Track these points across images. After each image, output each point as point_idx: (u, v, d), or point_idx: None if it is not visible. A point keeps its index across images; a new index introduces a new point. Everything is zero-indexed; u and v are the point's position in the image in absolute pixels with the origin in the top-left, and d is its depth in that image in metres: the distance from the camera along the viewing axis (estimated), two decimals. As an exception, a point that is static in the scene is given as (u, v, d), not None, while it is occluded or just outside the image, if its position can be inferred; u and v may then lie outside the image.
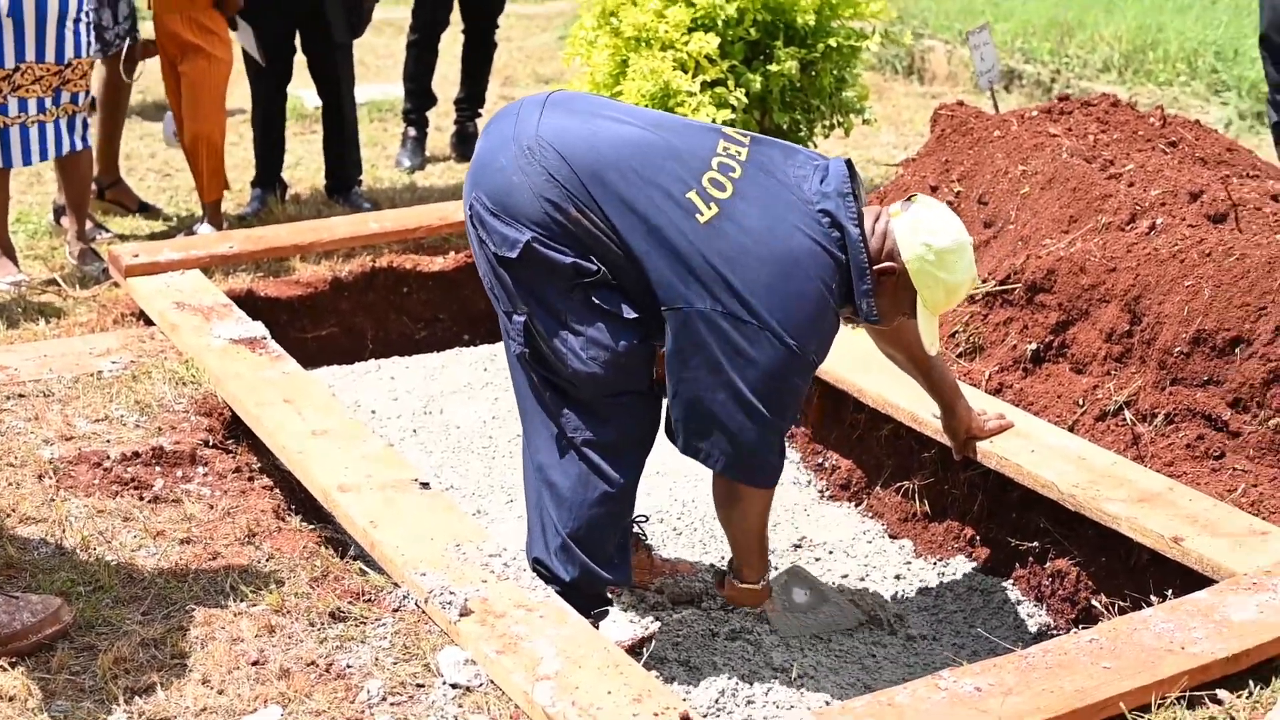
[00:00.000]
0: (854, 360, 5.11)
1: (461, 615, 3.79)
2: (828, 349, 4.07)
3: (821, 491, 5.55)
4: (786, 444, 5.56)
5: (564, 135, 3.99)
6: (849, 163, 4.06)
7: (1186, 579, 4.15)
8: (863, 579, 4.96)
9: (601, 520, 4.18)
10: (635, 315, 4.00)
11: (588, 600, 4.20)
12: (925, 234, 3.98)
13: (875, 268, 3.98)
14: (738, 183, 3.96)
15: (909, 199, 4.07)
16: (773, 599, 4.52)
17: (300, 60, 8.15)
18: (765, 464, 4.07)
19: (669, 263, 3.90)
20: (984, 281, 5.39)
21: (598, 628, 4.11)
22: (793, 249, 3.90)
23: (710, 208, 3.91)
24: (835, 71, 7.31)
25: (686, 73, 6.84)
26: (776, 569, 4.81)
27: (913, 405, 4.91)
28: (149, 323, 5.97)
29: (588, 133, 4.00)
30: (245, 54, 7.82)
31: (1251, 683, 3.53)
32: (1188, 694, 3.45)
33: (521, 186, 3.95)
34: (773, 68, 6.95)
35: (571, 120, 4.04)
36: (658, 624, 4.47)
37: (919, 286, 3.99)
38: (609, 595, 4.36)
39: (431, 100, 9.45)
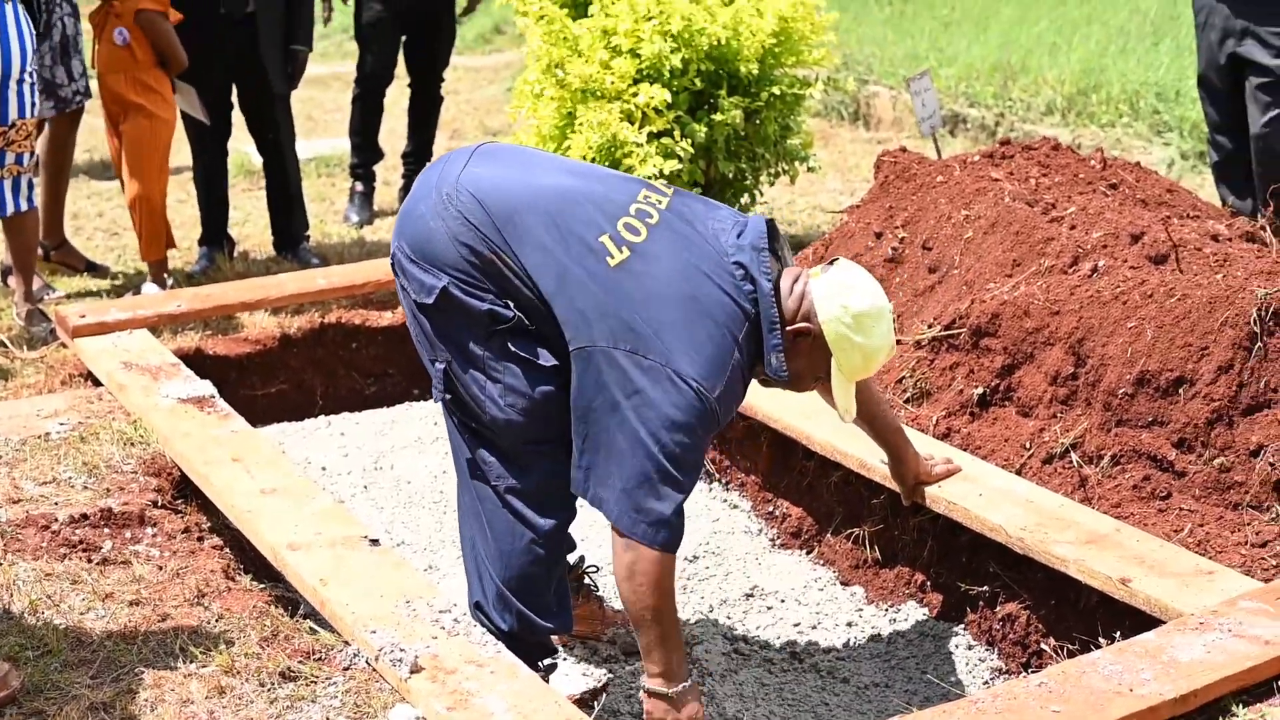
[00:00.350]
0: (802, 408, 5.13)
1: (412, 672, 3.78)
2: (733, 404, 4.00)
3: (772, 540, 5.56)
4: (737, 494, 5.60)
5: (483, 181, 4.00)
6: (770, 221, 4.05)
7: (1135, 619, 4.17)
8: (814, 627, 4.97)
9: (532, 569, 4.17)
10: (553, 363, 4.00)
11: (531, 648, 4.19)
12: (843, 296, 3.94)
13: (790, 328, 3.94)
14: (653, 229, 3.96)
15: (831, 262, 4.06)
16: None
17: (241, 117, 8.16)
18: (661, 519, 3.86)
19: (576, 303, 3.88)
20: (929, 326, 5.42)
21: (548, 681, 4.11)
22: (700, 295, 3.88)
23: (622, 251, 3.90)
24: (779, 120, 7.35)
25: (633, 124, 6.87)
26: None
27: (861, 452, 4.92)
28: (97, 383, 5.95)
29: (508, 179, 4.02)
30: (184, 116, 7.82)
31: (1199, 723, 3.55)
32: (1137, 736, 3.47)
33: (439, 232, 3.97)
34: (717, 117, 6.99)
35: (494, 168, 4.06)
36: (609, 676, 4.47)
37: (834, 350, 3.95)
38: (557, 646, 4.36)
39: (378, 155, 9.47)
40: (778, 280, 3.97)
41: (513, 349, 3.99)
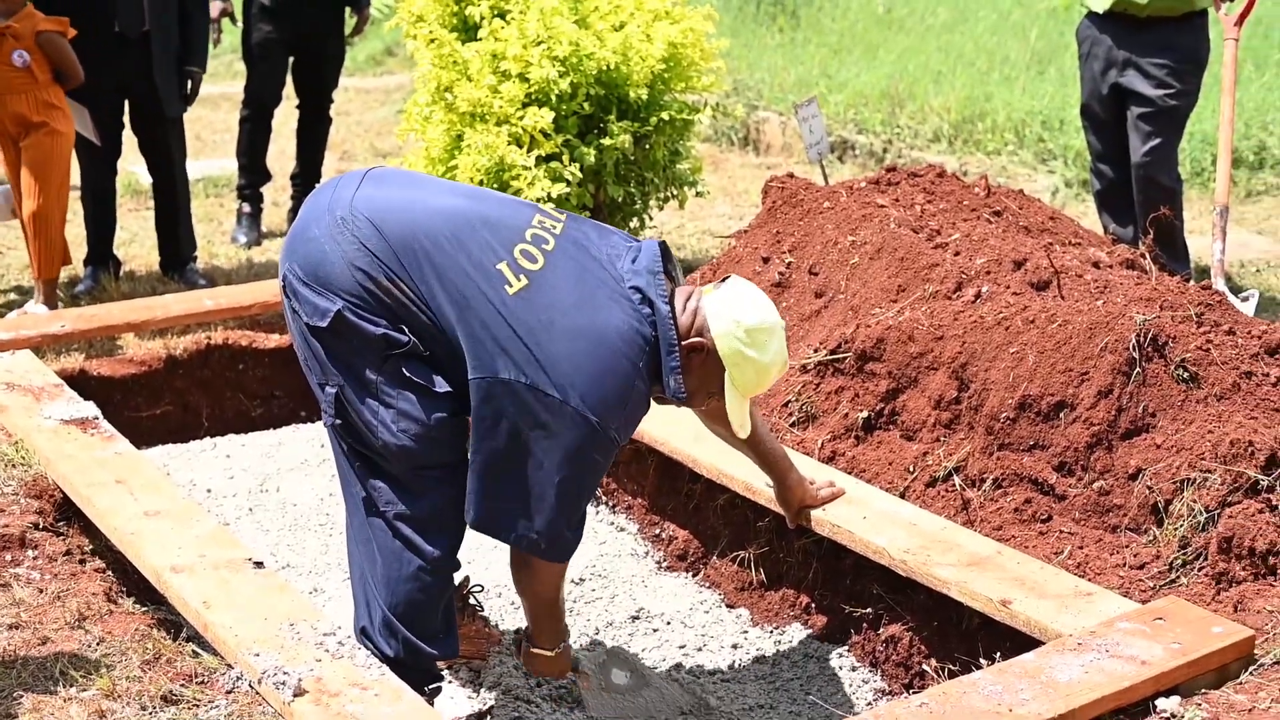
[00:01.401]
0: (689, 431, 5.15)
1: (296, 695, 3.76)
2: (632, 428, 4.09)
3: (659, 562, 5.57)
4: (624, 516, 5.61)
5: (377, 205, 4.00)
6: (663, 244, 4.09)
7: (1016, 640, 4.22)
8: (700, 649, 4.99)
9: (419, 595, 4.16)
10: (446, 388, 4.01)
11: (416, 674, 4.18)
12: (735, 311, 4.01)
13: (685, 343, 4.00)
14: (550, 255, 3.98)
15: (723, 280, 4.11)
16: (589, 677, 4.50)
17: (131, 136, 8.10)
18: (559, 540, 4.04)
19: (476, 332, 3.89)
20: (815, 351, 5.46)
21: (433, 704, 4.10)
22: (600, 324, 3.91)
23: (520, 279, 3.92)
24: (668, 144, 7.39)
25: (521, 147, 6.88)
26: (601, 644, 4.81)
27: (747, 475, 4.95)
28: (-22, 404, 5.88)
29: (403, 203, 4.01)
30: (77, 134, 7.75)
31: (1077, 742, 3.59)
32: (1016, 755, 3.51)
33: (334, 255, 3.95)
34: (606, 141, 7.01)
35: (387, 191, 4.06)
36: (494, 699, 4.47)
37: (728, 365, 4.01)
38: (442, 670, 4.35)
39: (266, 176, 9.43)
40: (672, 300, 4.01)
41: (407, 374, 3.98)
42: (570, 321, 3.89)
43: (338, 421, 4.08)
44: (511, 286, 3.91)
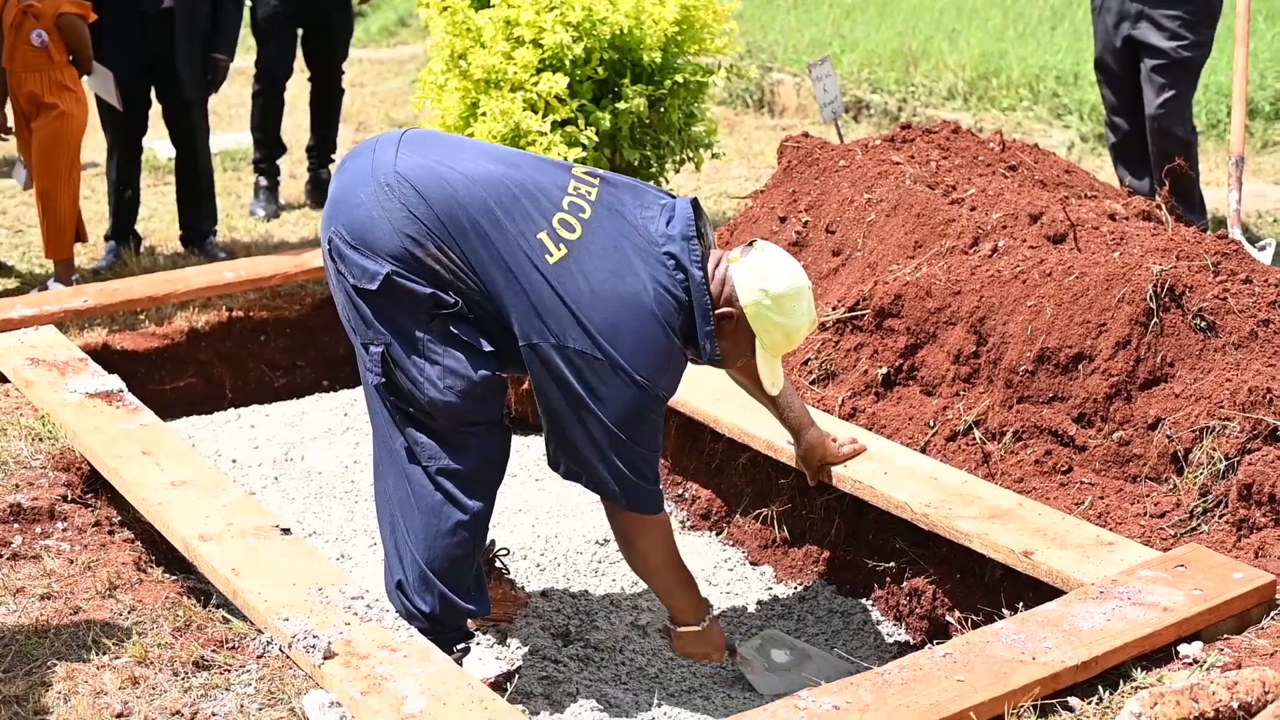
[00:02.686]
0: (710, 392, 5.18)
1: (325, 658, 3.80)
2: (677, 384, 4.18)
3: (682, 522, 5.61)
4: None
5: (421, 173, 4.06)
6: (695, 202, 4.14)
7: (1038, 591, 4.25)
8: (725, 606, 5.02)
9: (456, 551, 4.22)
10: (491, 348, 4.08)
11: (450, 633, 4.24)
12: (761, 279, 4.08)
13: (716, 312, 4.08)
14: (587, 224, 4.05)
15: (750, 244, 4.15)
16: (750, 662, 4.55)
17: (155, 112, 8.13)
18: (639, 488, 4.13)
19: (523, 300, 3.98)
20: (833, 309, 5.48)
21: (461, 664, 4.14)
22: (638, 292, 4.00)
23: (560, 249, 3.99)
24: (683, 107, 7.38)
25: (536, 113, 6.89)
26: (758, 632, 4.84)
27: (769, 434, 4.97)
28: (3, 379, 5.92)
29: (444, 171, 4.07)
30: (100, 103, 7.78)
31: (1101, 689, 3.61)
32: (1039, 703, 3.53)
33: (381, 221, 4.02)
34: (621, 105, 7.02)
35: (427, 158, 4.11)
36: (521, 660, 4.51)
37: (757, 330, 4.10)
38: (472, 630, 4.39)
39: (281, 149, 9.45)
40: (704, 264, 4.08)
41: (454, 332, 4.07)
42: (609, 289, 3.99)
43: (382, 380, 4.14)
44: (552, 256, 3.99)
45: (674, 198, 4.20)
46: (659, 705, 4.42)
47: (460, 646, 4.30)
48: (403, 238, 4.01)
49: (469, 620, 4.40)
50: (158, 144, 9.76)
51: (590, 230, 4.05)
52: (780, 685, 4.48)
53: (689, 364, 4.24)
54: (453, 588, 4.24)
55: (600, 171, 4.27)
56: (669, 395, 4.16)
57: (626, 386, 3.98)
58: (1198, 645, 3.77)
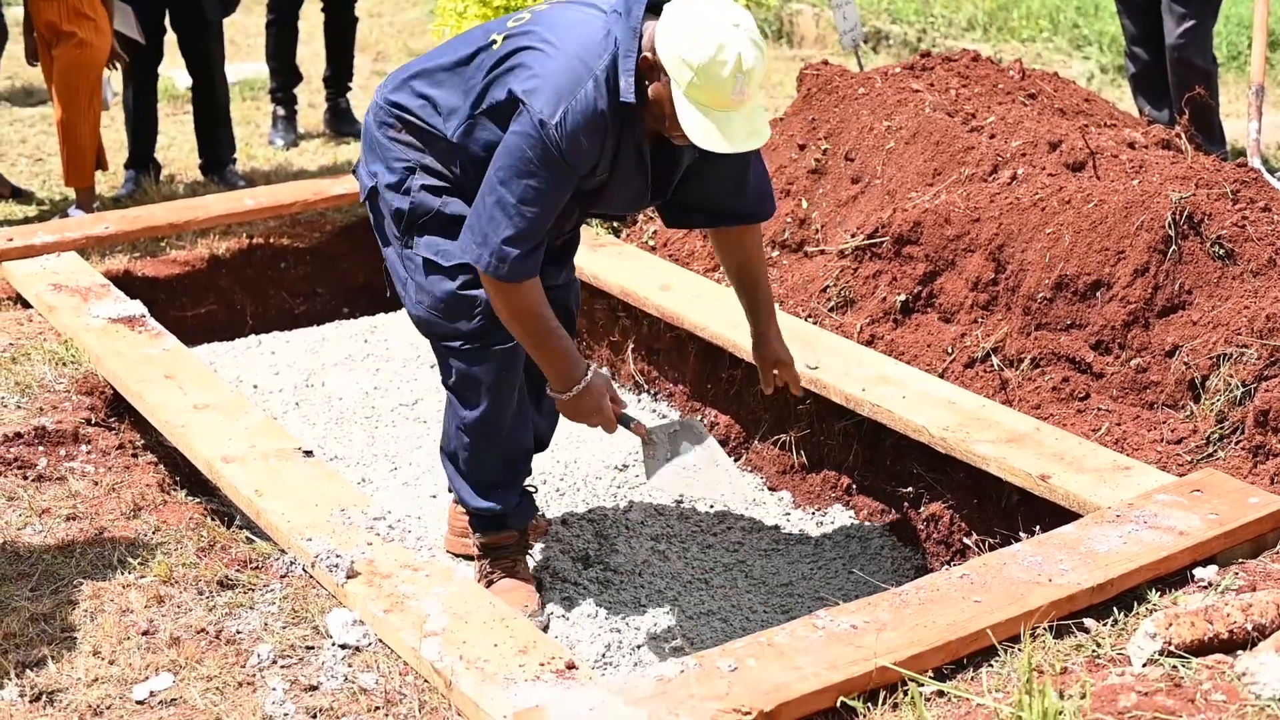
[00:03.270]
0: (728, 318, 5.20)
1: (348, 577, 3.85)
2: (579, 149, 3.87)
3: (702, 448, 5.63)
4: (666, 404, 5.67)
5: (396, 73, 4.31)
6: None
7: (1054, 516, 4.27)
8: (743, 530, 5.06)
9: (463, 450, 4.40)
10: (454, 261, 4.13)
11: (481, 522, 4.51)
12: (676, 13, 3.84)
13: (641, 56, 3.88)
14: (537, 11, 4.09)
15: None
16: (654, 446, 4.29)
17: (171, 41, 8.14)
18: (501, 251, 3.89)
19: (460, 86, 4.11)
20: (852, 236, 5.50)
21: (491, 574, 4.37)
22: (569, 35, 3.93)
23: (502, 37, 4.04)
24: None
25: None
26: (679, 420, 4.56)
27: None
28: (26, 306, 5.96)
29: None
30: (119, 36, 7.78)
31: (1116, 610, 3.64)
32: (1055, 623, 3.56)
33: (369, 128, 4.31)
34: (641, 33, 7.01)
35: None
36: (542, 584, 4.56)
37: (670, 72, 3.81)
38: (513, 536, 4.55)
39: (297, 78, 9.44)
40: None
41: (422, 247, 4.18)
42: (543, 38, 3.95)
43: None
44: (496, 43, 4.05)
45: None
46: (678, 627, 4.46)
47: (499, 548, 4.52)
48: (384, 129, 4.23)
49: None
50: (175, 73, 9.76)
51: (540, 14, 4.06)
52: (670, 482, 4.28)
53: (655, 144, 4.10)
54: (471, 481, 4.43)
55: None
56: (569, 155, 3.85)
57: (521, 123, 3.85)
58: (1213, 569, 3.80)
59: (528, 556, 4.65)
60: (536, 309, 4.02)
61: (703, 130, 3.78)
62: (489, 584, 4.45)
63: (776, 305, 4.69)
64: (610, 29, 3.89)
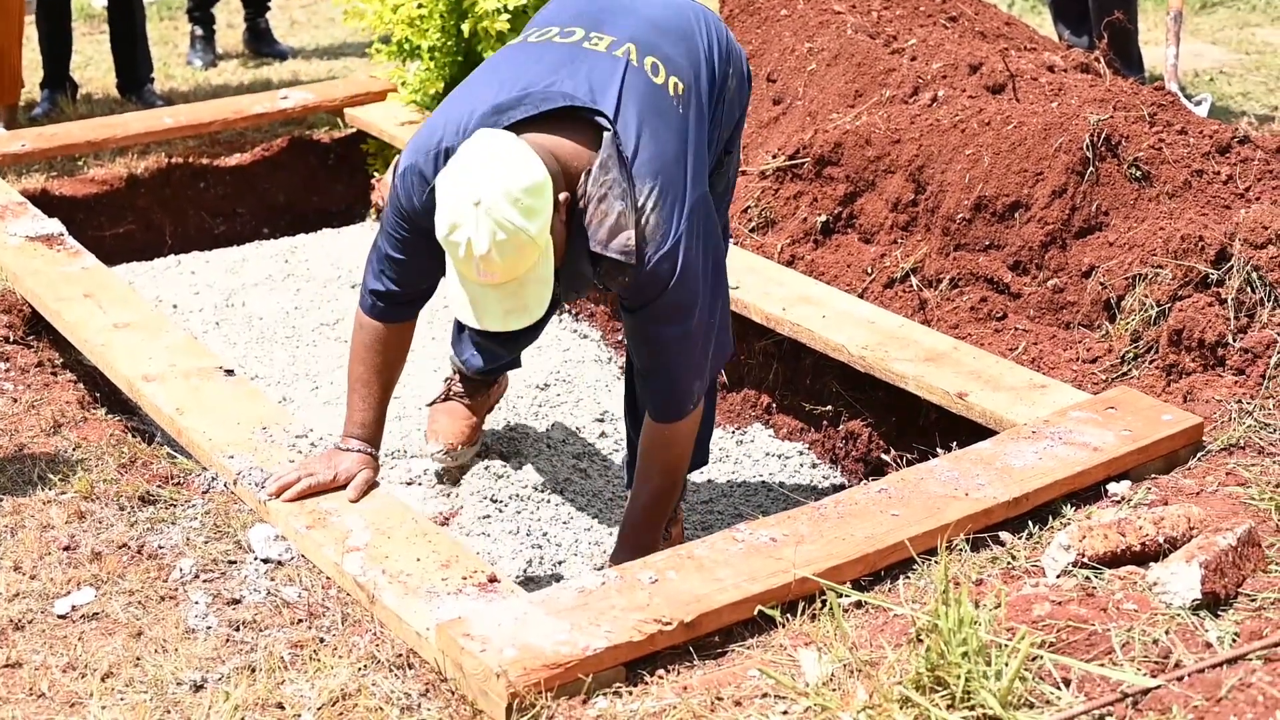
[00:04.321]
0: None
1: (271, 495, 3.85)
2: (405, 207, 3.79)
3: (621, 368, 5.66)
4: (587, 324, 5.69)
5: None
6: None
7: (972, 434, 4.32)
8: (664, 448, 5.09)
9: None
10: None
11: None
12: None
13: None
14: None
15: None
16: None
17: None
18: (364, 287, 3.93)
19: None
20: (774, 157, 5.52)
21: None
22: (460, 89, 3.87)
23: None
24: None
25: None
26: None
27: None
28: (-59, 224, 5.90)
29: None
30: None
31: (1031, 524, 3.69)
32: (972, 536, 3.61)
33: None
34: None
35: None
36: (462, 498, 4.58)
37: None
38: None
39: (212, -4, 9.34)
40: None
41: None
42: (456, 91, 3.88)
43: None
44: None
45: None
46: (598, 544, 4.50)
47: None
48: None
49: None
50: (92, -9, 9.67)
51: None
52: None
53: None
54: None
55: None
56: (405, 204, 3.71)
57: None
58: (1126, 484, 3.85)
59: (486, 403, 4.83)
60: (361, 349, 3.94)
61: (458, 301, 3.52)
62: (444, 399, 4.70)
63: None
64: (468, 109, 3.66)
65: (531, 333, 4.42)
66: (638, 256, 3.52)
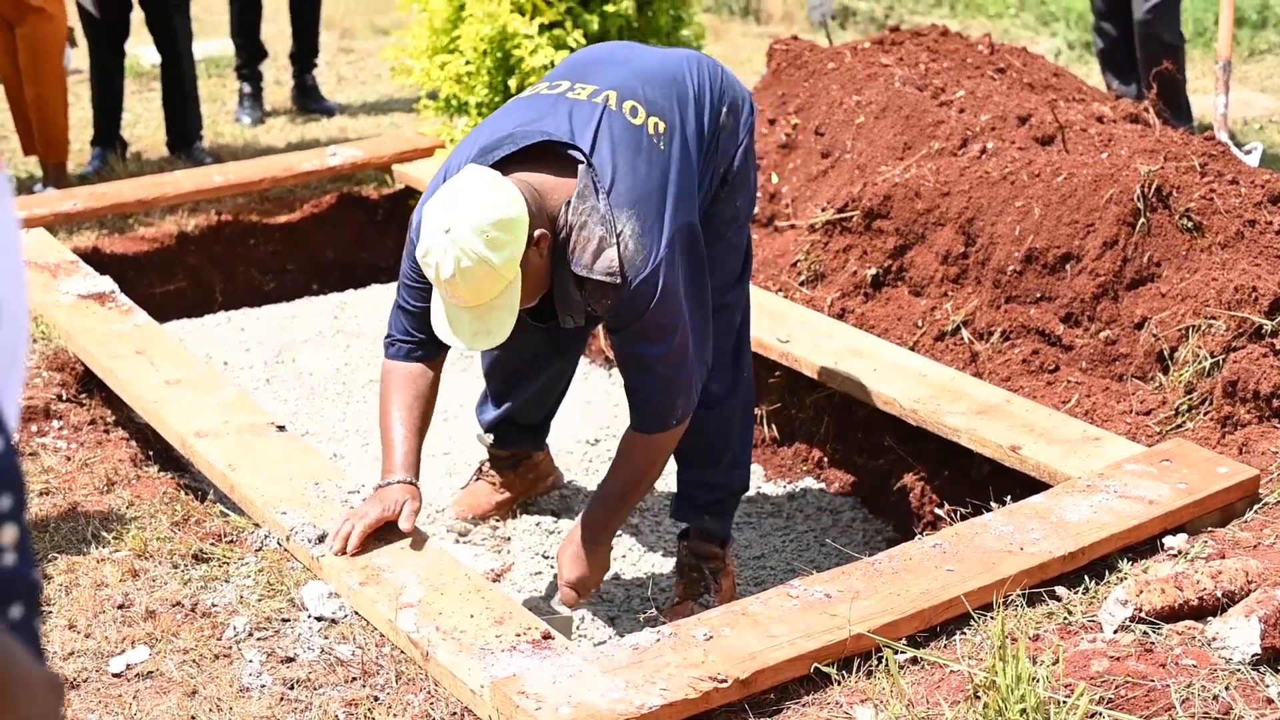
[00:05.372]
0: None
1: (324, 551, 3.85)
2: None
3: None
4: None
5: None
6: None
7: (1024, 487, 4.30)
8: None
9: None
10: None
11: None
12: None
13: None
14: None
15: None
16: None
17: (138, 18, 8.11)
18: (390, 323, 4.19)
19: None
20: (822, 210, 5.52)
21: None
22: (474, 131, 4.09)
23: None
24: (671, 11, 7.39)
25: (524, 15, 6.89)
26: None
27: (758, 331, 5.00)
28: (-6, 282, 5.93)
29: None
30: (81, 10, 7.75)
31: (1087, 578, 3.67)
32: (1027, 591, 3.59)
33: None
34: (609, 8, 7.02)
35: None
36: (515, 554, 4.57)
37: None
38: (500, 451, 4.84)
39: (262, 54, 9.40)
40: None
41: None
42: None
43: None
44: None
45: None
46: (652, 599, 4.48)
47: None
48: None
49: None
50: (141, 50, 9.73)
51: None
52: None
53: None
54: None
55: None
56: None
57: None
58: (1182, 537, 3.83)
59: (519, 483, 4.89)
60: (386, 391, 4.09)
61: (437, 317, 3.76)
62: (474, 479, 4.92)
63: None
64: (466, 155, 3.89)
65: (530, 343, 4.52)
66: (621, 276, 3.70)
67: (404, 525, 3.86)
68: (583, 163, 3.75)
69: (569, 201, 3.72)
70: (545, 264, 3.73)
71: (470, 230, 3.54)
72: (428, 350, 4.07)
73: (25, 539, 1.37)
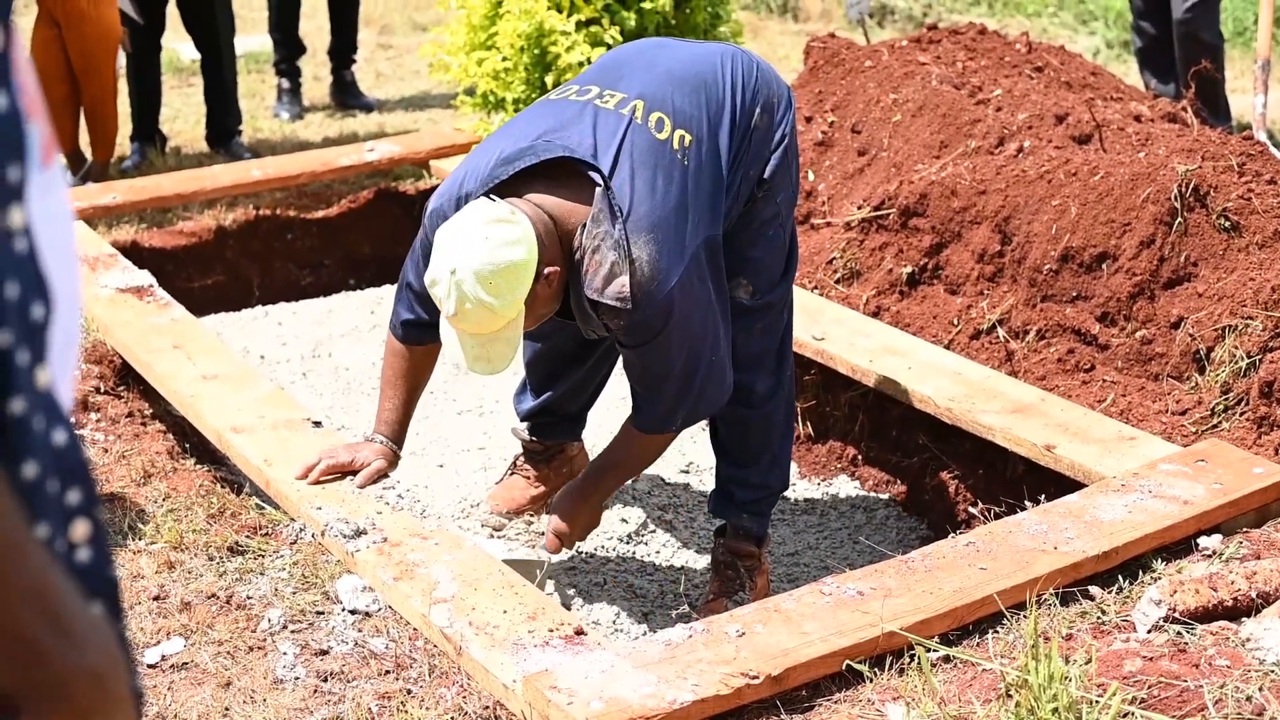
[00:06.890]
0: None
1: (359, 545, 3.86)
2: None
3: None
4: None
5: None
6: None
7: (1059, 486, 4.29)
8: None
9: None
10: None
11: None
12: None
13: None
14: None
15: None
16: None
17: (173, 13, 8.14)
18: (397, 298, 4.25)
19: None
20: (859, 208, 5.51)
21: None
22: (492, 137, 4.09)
23: None
24: (709, 8, 7.39)
25: (561, 12, 6.90)
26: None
27: (795, 330, 5.01)
28: (34, 275, 5.96)
29: None
30: (121, 12, 7.79)
31: (1121, 578, 3.66)
32: (1061, 590, 3.58)
33: None
34: (647, 5, 7.02)
35: None
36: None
37: None
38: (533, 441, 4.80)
39: (300, 49, 9.42)
40: None
41: None
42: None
43: None
44: None
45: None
46: (684, 595, 4.49)
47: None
48: None
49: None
50: (180, 45, 9.76)
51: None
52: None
53: None
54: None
55: None
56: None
57: None
58: (1217, 538, 3.82)
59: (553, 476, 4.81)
60: (389, 356, 4.25)
61: (446, 339, 3.81)
62: (509, 474, 4.83)
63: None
64: (488, 159, 3.90)
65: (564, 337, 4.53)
66: (632, 302, 3.72)
67: (358, 482, 4.12)
68: (601, 185, 3.75)
69: (584, 225, 3.73)
70: (555, 292, 3.77)
71: (473, 276, 3.58)
72: (432, 333, 4.09)
73: (101, 534, 1.33)
